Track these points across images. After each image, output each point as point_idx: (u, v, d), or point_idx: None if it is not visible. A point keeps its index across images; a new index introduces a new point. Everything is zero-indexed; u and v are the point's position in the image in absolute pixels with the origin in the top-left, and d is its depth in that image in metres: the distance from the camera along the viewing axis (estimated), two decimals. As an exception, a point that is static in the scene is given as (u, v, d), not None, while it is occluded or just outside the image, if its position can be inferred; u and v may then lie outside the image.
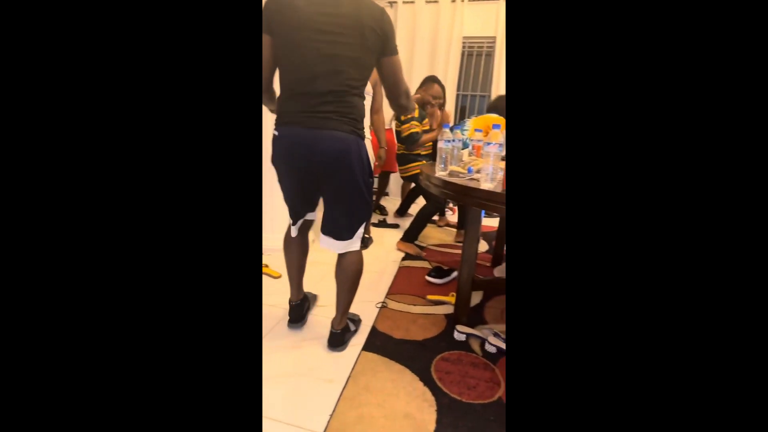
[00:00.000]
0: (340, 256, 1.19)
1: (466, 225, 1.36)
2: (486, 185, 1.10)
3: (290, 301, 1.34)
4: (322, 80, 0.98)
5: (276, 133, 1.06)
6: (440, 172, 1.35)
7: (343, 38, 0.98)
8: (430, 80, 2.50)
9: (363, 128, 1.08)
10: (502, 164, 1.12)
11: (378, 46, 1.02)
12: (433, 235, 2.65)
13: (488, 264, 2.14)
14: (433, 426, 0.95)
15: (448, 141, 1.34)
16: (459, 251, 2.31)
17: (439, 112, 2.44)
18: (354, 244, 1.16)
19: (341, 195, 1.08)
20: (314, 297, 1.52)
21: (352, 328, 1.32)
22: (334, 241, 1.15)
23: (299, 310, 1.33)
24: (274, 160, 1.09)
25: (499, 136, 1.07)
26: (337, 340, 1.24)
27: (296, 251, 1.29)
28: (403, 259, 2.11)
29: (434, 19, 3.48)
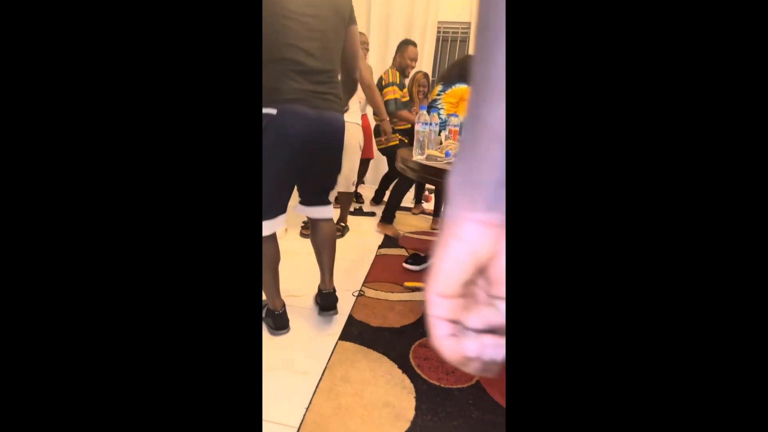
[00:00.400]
0: (321, 222, 1.23)
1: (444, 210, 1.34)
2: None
3: (273, 311, 1.19)
4: (315, 58, 0.96)
5: (273, 111, 0.93)
6: (417, 156, 1.31)
7: (324, 11, 0.95)
8: (405, 43, 2.38)
9: None
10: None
11: (347, 15, 1.02)
12: (410, 223, 2.64)
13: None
14: (412, 413, 0.93)
15: (426, 124, 1.31)
16: (436, 238, 2.31)
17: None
18: (331, 208, 1.25)
19: (331, 169, 1.17)
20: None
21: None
22: (323, 207, 1.22)
23: (285, 318, 1.22)
24: (271, 142, 0.93)
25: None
26: (331, 300, 1.28)
27: (274, 251, 1.13)
28: (380, 247, 2.09)
29: (409, 3, 3.40)
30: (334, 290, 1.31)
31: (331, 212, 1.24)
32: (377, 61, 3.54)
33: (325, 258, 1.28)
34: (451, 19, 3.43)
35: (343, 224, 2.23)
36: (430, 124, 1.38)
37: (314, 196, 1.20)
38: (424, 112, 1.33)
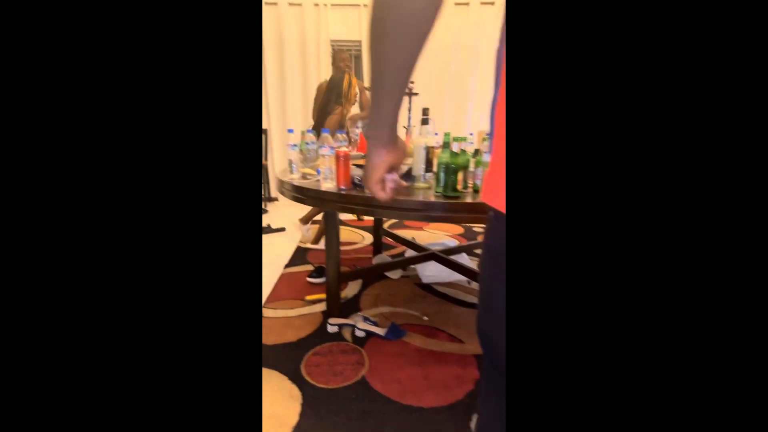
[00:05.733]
0: None
1: (327, 223, 1.43)
2: (326, 185, 1.18)
3: None
4: None
5: None
6: (291, 175, 1.39)
7: None
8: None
9: None
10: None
11: None
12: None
13: (370, 256, 2.27)
14: (296, 419, 0.99)
15: (295, 145, 1.39)
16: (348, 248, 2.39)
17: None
18: None
19: None
20: None
21: None
22: None
23: None
24: None
25: (330, 139, 1.16)
26: None
27: None
28: (287, 265, 2.11)
29: (299, 22, 3.49)
30: None
31: None
32: (276, 80, 3.56)
33: None
34: (343, 38, 3.60)
35: None
36: (308, 143, 1.47)
37: None
38: (292, 134, 1.41)
